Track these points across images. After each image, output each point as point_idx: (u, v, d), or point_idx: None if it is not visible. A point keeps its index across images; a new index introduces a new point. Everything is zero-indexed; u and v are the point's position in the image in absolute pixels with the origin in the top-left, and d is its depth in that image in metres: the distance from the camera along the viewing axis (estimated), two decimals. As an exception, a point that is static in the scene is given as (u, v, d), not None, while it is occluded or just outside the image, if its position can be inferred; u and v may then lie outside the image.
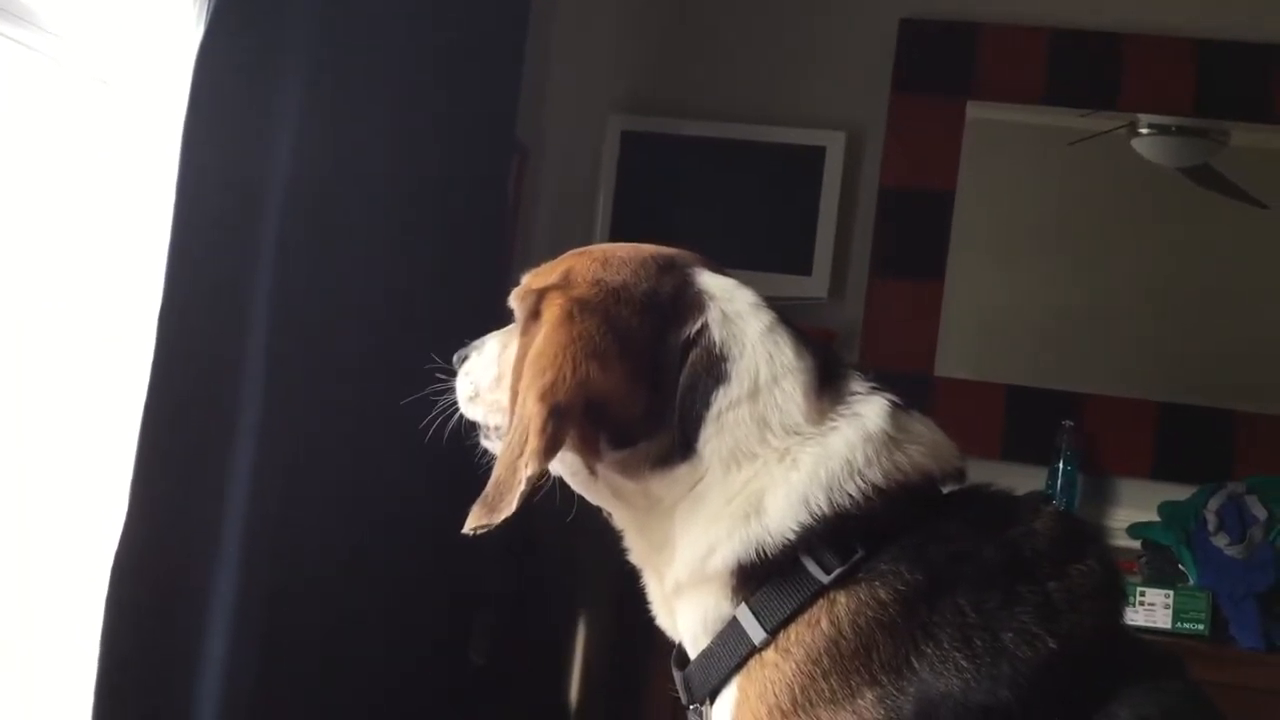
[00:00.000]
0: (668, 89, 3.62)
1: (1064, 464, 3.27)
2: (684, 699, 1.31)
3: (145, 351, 1.96)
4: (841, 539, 1.20)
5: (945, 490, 1.27)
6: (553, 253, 1.39)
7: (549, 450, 1.20)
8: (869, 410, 1.25)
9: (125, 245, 2.11)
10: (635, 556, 1.35)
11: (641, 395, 1.25)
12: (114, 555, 1.91)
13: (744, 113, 3.55)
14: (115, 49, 2.07)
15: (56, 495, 2.07)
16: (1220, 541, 3.07)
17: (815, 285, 3.47)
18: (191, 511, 2.03)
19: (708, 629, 1.26)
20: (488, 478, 1.26)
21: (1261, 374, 3.38)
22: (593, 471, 1.29)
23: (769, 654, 1.20)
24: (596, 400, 1.23)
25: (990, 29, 3.49)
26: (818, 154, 3.48)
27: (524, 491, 1.21)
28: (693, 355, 1.26)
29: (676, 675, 1.32)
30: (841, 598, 1.18)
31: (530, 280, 1.36)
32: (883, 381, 1.29)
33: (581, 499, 1.36)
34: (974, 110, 3.50)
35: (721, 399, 1.24)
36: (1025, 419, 3.41)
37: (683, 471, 1.25)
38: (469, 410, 1.41)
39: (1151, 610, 2.99)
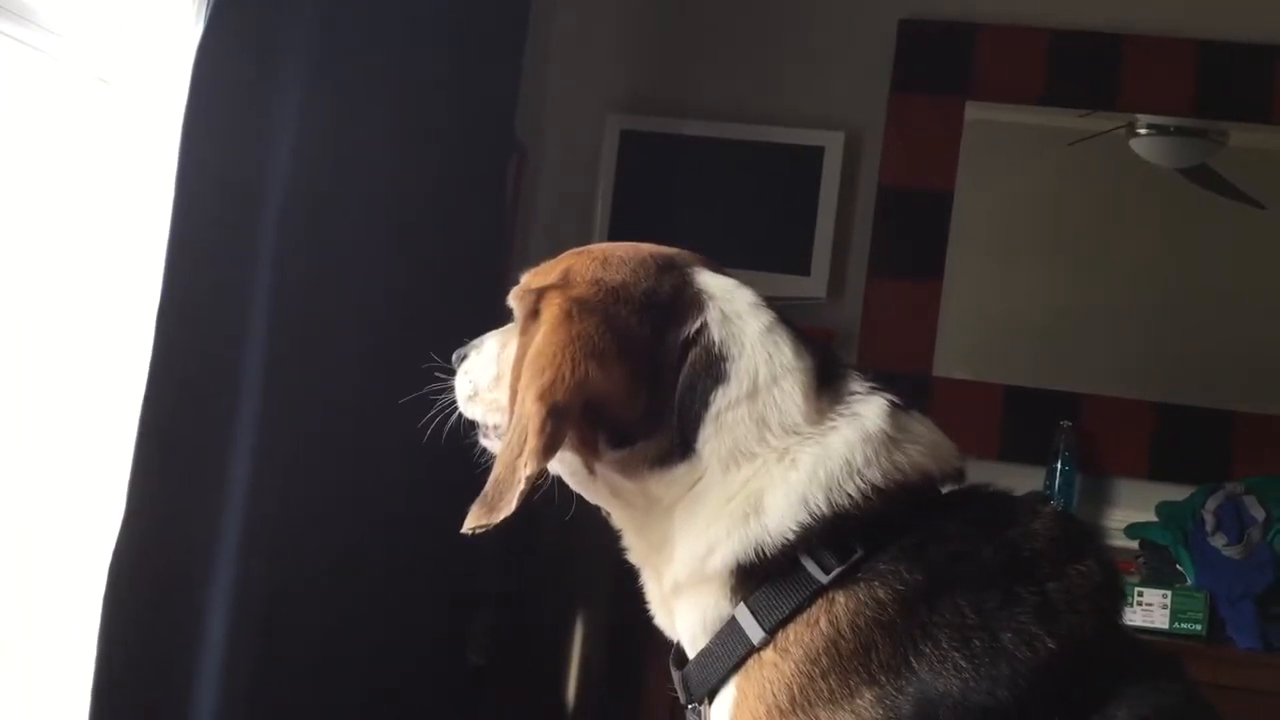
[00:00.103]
0: (667, 88, 3.62)
1: (1062, 464, 3.27)
2: (682, 698, 1.31)
3: (144, 350, 1.96)
4: (840, 539, 1.20)
5: (944, 490, 1.27)
6: (552, 252, 1.39)
7: (548, 450, 1.20)
8: (868, 410, 1.25)
9: (124, 244, 2.11)
10: (634, 556, 1.35)
11: (640, 395, 1.25)
12: (112, 553, 1.91)
13: (743, 112, 3.55)
14: (115, 47, 2.07)
15: (56, 494, 2.07)
16: (1218, 542, 3.07)
17: (814, 285, 3.47)
18: (190, 510, 2.03)
19: (706, 629, 1.26)
20: (486, 477, 1.26)
21: (1260, 374, 3.38)
22: (591, 471, 1.29)
23: (768, 654, 1.20)
24: (595, 400, 1.23)
25: (989, 29, 3.49)
26: (817, 154, 3.48)
27: (523, 491, 1.21)
28: (692, 355, 1.26)
29: (675, 675, 1.32)
30: (840, 598, 1.18)
31: (529, 279, 1.36)
32: (882, 381, 1.30)
33: (580, 498, 1.36)
34: (973, 110, 3.50)
35: (721, 399, 1.24)
36: (1023, 419, 3.41)
37: (682, 471, 1.25)
38: (468, 409, 1.41)
39: (1149, 610, 2.99)
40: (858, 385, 1.28)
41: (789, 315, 1.32)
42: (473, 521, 1.25)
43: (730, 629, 1.23)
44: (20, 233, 1.95)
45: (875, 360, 3.38)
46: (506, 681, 3.26)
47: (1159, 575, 3.11)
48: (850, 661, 1.16)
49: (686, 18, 3.66)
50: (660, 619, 1.35)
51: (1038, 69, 3.47)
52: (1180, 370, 3.41)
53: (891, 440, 1.24)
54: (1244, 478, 3.18)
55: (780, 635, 1.20)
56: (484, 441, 1.41)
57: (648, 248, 1.35)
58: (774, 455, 1.23)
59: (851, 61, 3.57)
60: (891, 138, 3.52)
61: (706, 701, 1.27)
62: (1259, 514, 3.08)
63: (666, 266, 1.31)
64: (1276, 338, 3.38)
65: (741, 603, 1.23)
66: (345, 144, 2.25)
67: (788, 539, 1.20)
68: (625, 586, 1.41)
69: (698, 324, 1.27)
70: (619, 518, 1.35)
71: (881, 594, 1.17)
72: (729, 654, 1.23)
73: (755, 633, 1.21)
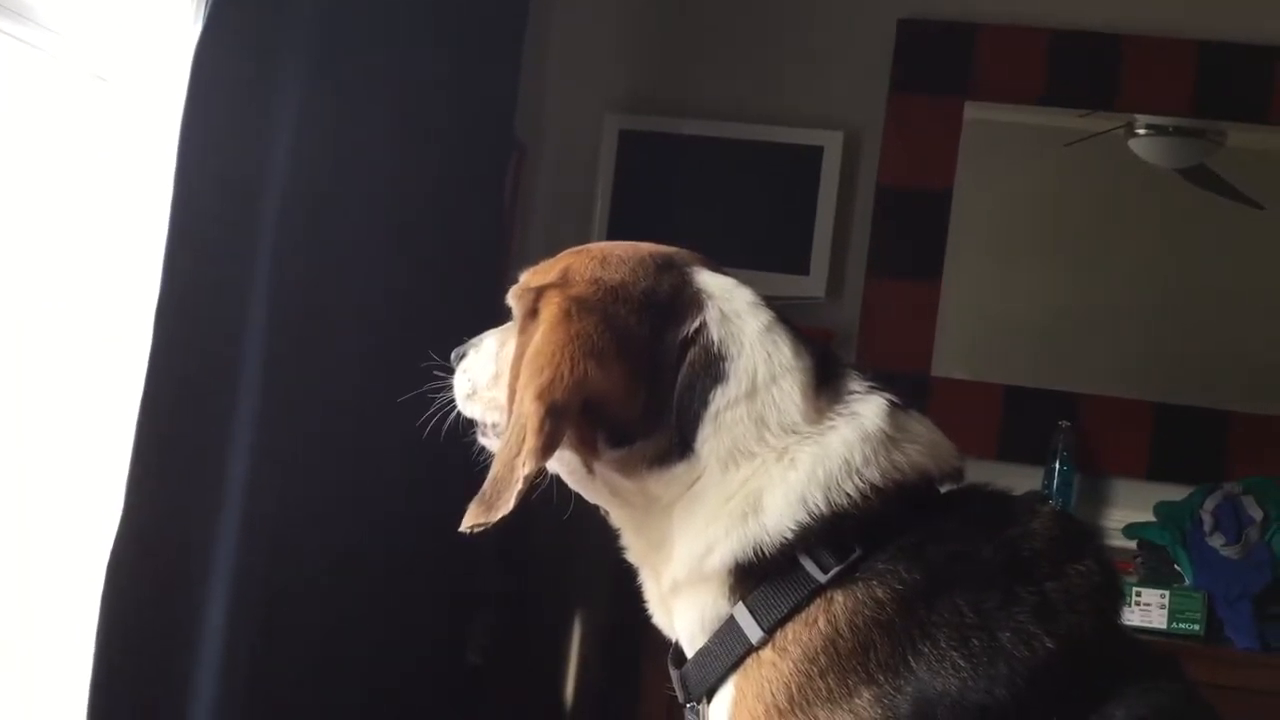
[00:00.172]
0: (666, 88, 3.62)
1: (1060, 464, 3.27)
2: (681, 698, 1.31)
3: (143, 348, 1.96)
4: (839, 538, 1.20)
5: (943, 490, 1.27)
6: (551, 251, 1.39)
7: (546, 449, 1.20)
8: (867, 409, 1.25)
9: (123, 242, 2.11)
10: (633, 555, 1.35)
11: (639, 394, 1.25)
12: (110, 552, 1.91)
13: (742, 112, 3.55)
14: (113, 45, 2.07)
15: (55, 492, 2.06)
16: (1216, 542, 3.07)
17: (813, 285, 3.47)
18: (189, 509, 2.03)
19: (705, 628, 1.26)
20: (485, 476, 1.26)
21: (1258, 375, 3.38)
22: (590, 470, 1.29)
23: (766, 653, 1.20)
24: (594, 399, 1.23)
25: (988, 29, 3.49)
26: (816, 153, 3.48)
27: (521, 490, 1.20)
28: (691, 354, 1.26)
29: (673, 674, 1.32)
30: (839, 597, 1.18)
31: (528, 278, 1.36)
32: (881, 381, 1.29)
33: (578, 497, 1.36)
34: (972, 110, 3.50)
35: (719, 398, 1.24)
36: (1022, 419, 3.41)
37: (680, 470, 1.25)
38: (466, 408, 1.41)
39: (1147, 610, 2.99)
40: (857, 385, 1.28)
41: (788, 315, 1.32)
42: (471, 520, 1.25)
43: (729, 628, 1.23)
44: (19, 231, 1.95)
45: (874, 360, 3.37)
46: (505, 681, 3.26)
47: (1157, 575, 3.12)
48: (848, 661, 1.16)
49: (686, 18, 3.66)
50: (659, 618, 1.35)
51: (1037, 69, 3.47)
52: (1179, 370, 3.42)
53: (890, 440, 1.24)
54: (1242, 478, 3.18)
55: (779, 634, 1.20)
56: (482, 440, 1.41)
57: (647, 247, 1.34)
58: (773, 454, 1.23)
59: (851, 61, 3.57)
60: (891, 137, 3.52)
61: (705, 701, 1.27)
62: (1257, 514, 3.08)
63: (665, 266, 1.31)
64: (1275, 338, 3.38)
65: (740, 602, 1.23)
66: (344, 143, 2.25)
67: (786, 538, 1.20)
68: (624, 586, 1.41)
69: (697, 323, 1.27)
70: (617, 517, 1.35)
71: (880, 593, 1.17)
72: (727, 653, 1.23)
73: (754, 632, 1.21)
